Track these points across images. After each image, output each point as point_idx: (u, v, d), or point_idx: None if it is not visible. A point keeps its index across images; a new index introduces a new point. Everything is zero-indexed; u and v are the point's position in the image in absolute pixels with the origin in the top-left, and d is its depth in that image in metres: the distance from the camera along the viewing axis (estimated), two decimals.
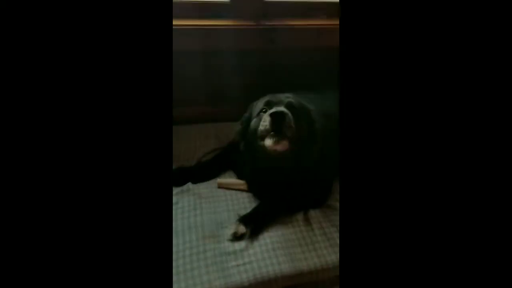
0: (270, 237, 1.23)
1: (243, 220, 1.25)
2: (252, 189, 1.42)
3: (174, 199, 1.37)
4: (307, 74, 1.79)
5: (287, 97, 1.28)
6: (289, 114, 1.17)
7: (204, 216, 1.30)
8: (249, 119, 1.34)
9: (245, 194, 1.42)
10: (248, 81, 1.73)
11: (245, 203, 1.38)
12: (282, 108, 1.18)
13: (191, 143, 1.69)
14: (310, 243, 1.23)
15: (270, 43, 1.61)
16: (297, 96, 1.38)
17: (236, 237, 1.21)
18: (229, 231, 1.22)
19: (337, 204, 1.39)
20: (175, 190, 1.41)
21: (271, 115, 1.14)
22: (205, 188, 1.44)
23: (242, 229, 1.22)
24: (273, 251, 1.18)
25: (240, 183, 1.44)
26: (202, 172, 1.49)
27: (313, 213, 1.35)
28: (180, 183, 1.43)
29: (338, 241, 1.22)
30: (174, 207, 1.33)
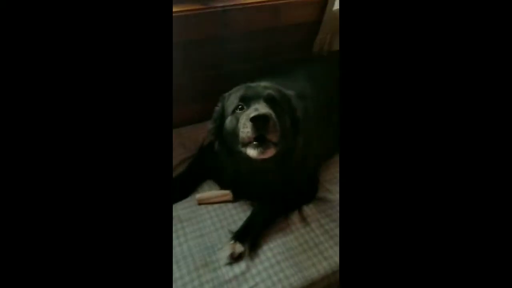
0: (270, 250, 1.11)
1: (238, 236, 1.11)
2: (238, 198, 1.27)
3: None
4: (269, 57, 1.64)
5: (265, 87, 1.12)
6: (273, 115, 1.00)
7: (190, 243, 1.13)
8: (222, 115, 1.16)
9: (230, 206, 1.27)
10: (202, 75, 1.53)
11: (234, 216, 1.23)
12: (263, 109, 0.99)
13: None
14: (314, 245, 1.13)
15: (223, 28, 1.41)
16: (272, 82, 1.24)
17: (234, 259, 1.07)
18: (225, 254, 1.07)
19: (330, 196, 1.31)
20: None
21: (252, 120, 0.96)
22: (183, 208, 1.26)
23: (239, 248, 1.08)
24: (277, 265, 1.07)
25: (223, 194, 1.28)
26: (175, 190, 1.29)
27: (308, 210, 1.25)
28: None
29: None
30: None
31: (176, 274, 1.04)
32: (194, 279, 1.02)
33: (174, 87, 1.59)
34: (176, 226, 1.18)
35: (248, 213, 1.23)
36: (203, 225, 1.19)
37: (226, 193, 1.28)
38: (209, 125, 1.22)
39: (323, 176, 1.40)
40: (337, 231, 1.17)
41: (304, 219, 1.22)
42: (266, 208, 1.20)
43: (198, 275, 1.03)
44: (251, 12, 1.40)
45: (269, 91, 1.09)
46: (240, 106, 1.08)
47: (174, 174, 1.36)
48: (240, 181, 1.24)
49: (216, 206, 1.27)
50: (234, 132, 1.06)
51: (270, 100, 1.07)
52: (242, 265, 1.06)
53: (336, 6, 1.56)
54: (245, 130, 0.99)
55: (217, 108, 1.20)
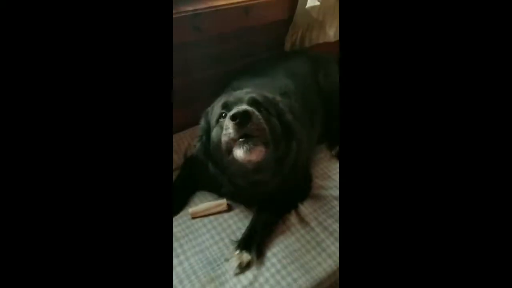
0: (274, 255, 1.10)
1: (243, 245, 1.08)
2: (233, 207, 1.25)
3: None
4: (242, 58, 1.62)
5: (247, 92, 1.09)
6: (255, 111, 0.96)
7: (191, 260, 1.09)
8: (208, 130, 1.12)
9: (226, 215, 1.24)
10: (177, 82, 1.47)
11: (232, 226, 1.20)
12: (244, 106, 0.96)
13: None
14: (316, 244, 1.14)
15: (195, 32, 1.36)
16: (255, 86, 1.22)
17: (243, 268, 1.04)
18: (233, 265, 1.04)
19: (324, 192, 1.33)
20: None
21: (232, 117, 0.90)
22: (178, 225, 1.21)
23: (246, 256, 1.05)
24: (284, 269, 1.06)
25: (218, 204, 1.24)
26: None
27: (305, 209, 1.26)
28: None
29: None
30: None
31: None
32: None
33: None
34: (173, 244, 1.13)
35: (246, 220, 1.22)
36: (201, 239, 1.15)
37: (221, 203, 1.24)
38: (196, 143, 1.17)
39: (313, 172, 1.41)
40: (335, 226, 1.19)
41: (302, 219, 1.22)
42: (265, 213, 1.18)
43: None
44: (222, 14, 1.37)
45: (252, 95, 1.07)
46: (223, 114, 1.05)
47: None
48: (236, 193, 1.20)
49: (211, 218, 1.23)
50: (219, 140, 1.00)
51: (253, 103, 1.04)
52: (249, 276, 1.04)
53: (309, 3, 1.57)
54: (227, 132, 0.93)
55: (201, 125, 1.15)
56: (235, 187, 1.14)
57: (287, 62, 1.56)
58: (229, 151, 0.97)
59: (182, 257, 1.10)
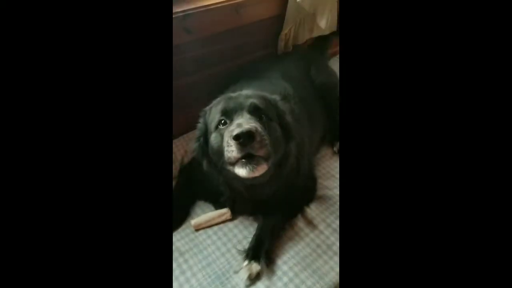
0: (285, 263, 1.06)
1: (251, 255, 1.04)
2: (236, 215, 1.20)
3: None
4: (235, 59, 1.57)
5: (247, 96, 1.04)
6: (258, 128, 0.91)
7: (199, 275, 1.04)
8: (205, 133, 1.07)
9: (231, 225, 1.19)
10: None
11: (237, 235, 1.16)
12: (246, 124, 0.90)
13: None
14: (327, 248, 1.11)
15: (186, 34, 1.30)
16: (253, 87, 1.17)
17: (253, 279, 1.00)
18: (243, 277, 1.00)
19: (329, 192, 1.30)
20: None
21: (235, 137, 0.87)
22: (181, 238, 1.15)
23: (256, 267, 1.01)
24: (297, 277, 1.02)
25: (220, 213, 1.19)
26: None
27: (311, 212, 1.22)
28: None
29: None
30: None
31: None
32: None
33: None
34: (177, 260, 1.08)
35: (251, 228, 1.17)
36: (207, 252, 1.10)
37: (224, 212, 1.19)
38: (194, 143, 1.12)
39: (316, 173, 1.38)
40: None
41: (310, 223, 1.19)
42: (271, 220, 1.14)
43: None
44: (212, 14, 1.32)
45: (252, 100, 1.01)
46: (222, 121, 1.00)
47: None
48: (236, 198, 1.16)
49: (215, 228, 1.18)
50: (220, 151, 0.97)
51: (254, 110, 0.99)
52: (261, 287, 1.00)
53: None
54: (230, 149, 0.91)
55: (199, 125, 1.11)
56: (232, 190, 1.10)
57: (282, 64, 1.52)
58: (231, 164, 0.95)
59: (188, 274, 1.04)
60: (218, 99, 1.08)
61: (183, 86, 1.47)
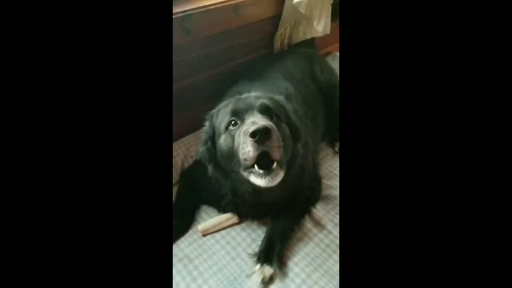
0: (296, 265, 1.07)
1: (263, 258, 1.03)
2: (244, 218, 1.19)
3: None
4: (233, 60, 1.56)
5: (257, 97, 1.03)
6: (273, 126, 0.90)
7: (210, 281, 1.02)
8: (213, 136, 1.06)
9: (238, 228, 1.18)
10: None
11: (246, 238, 1.15)
12: (262, 122, 0.89)
13: None
14: (336, 247, 1.12)
15: (185, 34, 1.28)
16: (255, 88, 1.17)
17: (266, 283, 1.00)
18: (256, 280, 0.99)
19: (334, 192, 1.31)
20: None
21: (252, 136, 0.84)
22: (188, 245, 1.13)
23: (268, 270, 1.01)
24: (309, 278, 1.03)
25: (228, 217, 1.18)
26: (174, 227, 1.15)
27: (318, 212, 1.23)
28: None
29: None
30: None
31: None
32: None
33: None
34: (187, 267, 1.06)
35: (259, 231, 1.17)
36: (217, 258, 1.09)
37: (231, 216, 1.18)
38: (199, 147, 1.10)
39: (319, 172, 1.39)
40: None
41: (318, 223, 1.20)
42: (281, 221, 1.14)
43: None
44: (213, 14, 1.30)
45: (262, 100, 1.01)
46: (233, 122, 0.99)
47: None
48: (239, 202, 1.15)
49: (223, 232, 1.17)
50: (231, 153, 0.96)
51: (265, 110, 0.99)
52: None
53: None
54: (246, 149, 0.88)
55: (206, 128, 1.09)
56: (237, 194, 1.09)
57: (282, 63, 1.52)
58: (247, 168, 0.93)
59: (200, 280, 1.03)
60: (226, 101, 1.07)
61: (181, 88, 1.45)
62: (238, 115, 0.98)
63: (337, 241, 1.14)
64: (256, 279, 0.99)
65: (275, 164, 0.90)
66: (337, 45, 2.18)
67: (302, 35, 1.73)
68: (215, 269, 1.06)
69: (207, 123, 1.09)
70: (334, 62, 2.05)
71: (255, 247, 1.11)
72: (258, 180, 0.90)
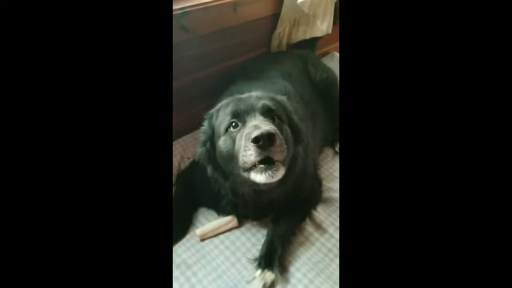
0: (298, 270, 1.04)
1: (264, 263, 1.01)
2: (243, 221, 1.16)
3: None
4: (231, 58, 1.53)
5: (258, 98, 1.00)
6: (277, 131, 0.88)
7: None
8: (212, 136, 1.03)
9: (238, 232, 1.16)
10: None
11: (245, 243, 1.12)
12: (265, 126, 0.86)
13: None
14: (338, 252, 1.10)
15: (183, 32, 1.25)
16: (253, 88, 1.14)
17: None
18: (257, 286, 0.96)
19: (335, 194, 1.29)
20: None
21: (255, 141, 0.83)
22: (186, 250, 1.10)
23: (270, 276, 0.99)
24: (311, 284, 1.00)
25: (227, 221, 1.15)
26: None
27: (319, 216, 1.21)
28: None
29: None
30: None
31: None
32: None
33: None
34: (185, 274, 1.03)
35: (259, 235, 1.15)
36: (216, 263, 1.06)
37: (230, 220, 1.16)
38: (198, 148, 1.07)
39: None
40: None
41: (319, 227, 1.18)
42: (282, 225, 1.12)
43: None
44: (211, 12, 1.27)
45: (264, 101, 0.98)
46: (233, 123, 0.96)
47: None
48: (239, 203, 1.12)
49: (222, 237, 1.14)
50: (231, 155, 0.93)
51: (267, 112, 0.96)
52: None
53: None
54: (247, 153, 0.86)
55: (204, 128, 1.06)
56: (237, 194, 1.06)
57: (279, 63, 1.50)
58: (246, 170, 0.90)
59: (199, 287, 0.99)
60: (226, 101, 1.04)
61: (177, 87, 1.41)
62: (239, 117, 0.96)
63: (339, 245, 1.12)
64: (257, 285, 0.96)
65: (276, 163, 0.88)
66: (335, 45, 2.17)
67: (302, 34, 1.71)
68: (214, 275, 1.03)
69: (205, 123, 1.06)
70: (333, 62, 2.04)
71: (255, 251, 1.09)
72: (258, 176, 0.88)
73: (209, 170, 1.05)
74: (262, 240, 1.11)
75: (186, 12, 1.19)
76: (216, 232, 1.14)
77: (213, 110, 1.06)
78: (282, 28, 1.62)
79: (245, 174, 0.91)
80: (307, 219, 1.20)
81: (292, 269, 1.05)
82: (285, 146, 0.89)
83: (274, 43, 1.68)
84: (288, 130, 1.01)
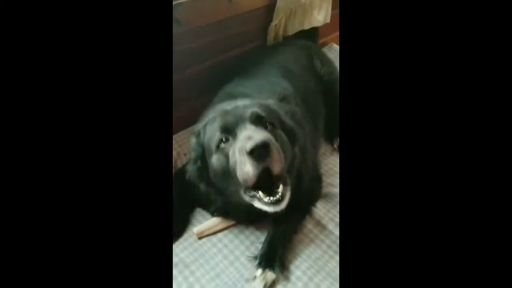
0: (297, 268, 1.04)
1: (265, 262, 1.00)
2: (242, 221, 1.15)
3: None
4: (225, 52, 1.50)
5: (246, 106, 0.96)
6: (272, 139, 0.84)
7: (208, 287, 0.99)
8: (202, 154, 0.99)
9: (236, 230, 1.15)
10: None
11: (244, 241, 1.11)
12: (258, 135, 0.81)
13: None
14: (338, 249, 1.09)
15: (175, 24, 1.22)
16: (250, 88, 1.12)
17: None
18: (258, 286, 0.96)
19: (334, 189, 1.28)
20: None
21: (250, 152, 0.78)
22: (184, 249, 1.09)
23: (271, 275, 0.98)
24: (311, 281, 1.00)
25: (225, 219, 1.14)
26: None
27: (319, 212, 1.20)
28: None
29: None
30: None
31: None
32: None
33: None
34: (183, 273, 1.02)
35: (258, 233, 1.14)
36: (214, 262, 1.05)
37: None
38: (189, 167, 1.04)
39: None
40: None
41: (318, 223, 1.17)
42: (282, 224, 1.10)
43: None
44: (204, 3, 1.24)
45: (252, 109, 0.93)
46: (223, 139, 0.91)
47: None
48: (230, 209, 1.10)
49: (220, 235, 1.13)
50: (227, 172, 0.90)
51: (256, 120, 0.92)
52: None
53: None
54: (245, 169, 0.82)
55: (193, 146, 1.02)
56: (230, 204, 1.04)
57: (279, 58, 1.46)
58: (248, 190, 0.88)
59: (197, 287, 0.99)
60: (211, 115, 1.00)
61: (174, 82, 1.39)
62: (228, 131, 0.91)
63: (338, 241, 1.11)
64: (258, 285, 0.96)
65: (280, 187, 0.85)
66: (334, 35, 2.14)
67: (298, 25, 1.68)
68: (213, 274, 1.02)
69: (193, 141, 1.02)
70: (330, 53, 2.00)
71: (254, 250, 1.08)
72: (264, 207, 0.85)
73: (202, 187, 1.02)
74: (261, 238, 1.10)
75: (178, 4, 1.16)
76: (213, 230, 1.13)
77: (200, 126, 1.02)
78: (278, 20, 1.59)
79: (247, 199, 0.88)
80: (307, 216, 1.19)
81: (292, 266, 1.04)
82: (283, 154, 0.85)
83: (271, 35, 1.65)
84: (283, 135, 0.97)
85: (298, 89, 1.30)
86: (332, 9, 1.76)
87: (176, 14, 1.18)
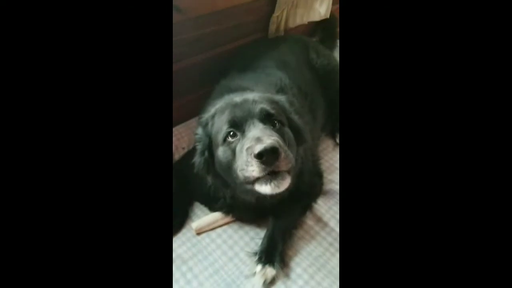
0: (298, 265, 1.02)
1: (265, 259, 0.99)
2: (247, 217, 1.13)
3: None
4: (225, 43, 1.47)
5: (255, 101, 0.94)
6: (281, 142, 0.83)
7: (206, 284, 0.97)
8: (209, 145, 0.97)
9: (235, 226, 1.13)
10: None
11: (243, 237, 1.10)
12: (268, 139, 0.80)
13: None
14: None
15: (176, 12, 1.19)
16: (247, 81, 1.09)
17: (267, 285, 0.95)
18: (258, 282, 0.94)
19: (336, 186, 1.27)
20: None
21: (258, 156, 0.78)
22: (182, 244, 1.07)
23: (271, 271, 0.96)
24: (312, 279, 0.99)
25: (224, 215, 1.12)
26: None
27: (320, 208, 1.19)
28: None
29: None
30: None
31: None
32: None
33: None
34: (181, 269, 1.00)
35: (258, 229, 1.12)
36: (213, 258, 1.03)
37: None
38: (195, 159, 1.01)
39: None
40: None
41: (320, 220, 1.15)
42: (283, 220, 1.09)
43: None
44: None
45: (261, 105, 0.92)
46: (231, 133, 0.90)
47: None
48: (241, 208, 1.08)
49: (219, 231, 1.11)
50: (232, 167, 0.89)
51: (266, 118, 0.91)
52: None
53: None
54: (250, 168, 0.81)
55: (199, 136, 0.99)
56: (236, 200, 1.02)
57: (276, 50, 1.44)
58: (249, 183, 0.86)
59: (195, 283, 0.97)
60: (220, 105, 0.97)
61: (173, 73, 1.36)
62: (237, 126, 0.89)
63: None
64: (258, 281, 0.94)
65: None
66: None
67: (299, 18, 1.65)
68: (211, 271, 1.00)
69: (200, 131, 0.99)
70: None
71: (254, 246, 1.06)
72: (263, 187, 0.83)
73: (209, 179, 1.00)
74: (261, 234, 1.09)
75: None
76: (212, 225, 1.11)
77: (207, 116, 0.99)
78: (280, 11, 1.56)
79: (248, 186, 0.87)
80: (307, 212, 1.18)
81: (292, 264, 1.03)
82: (290, 156, 0.84)
83: (272, 27, 1.62)
84: (290, 133, 0.96)
85: (294, 80, 1.29)
86: (333, 4, 1.74)
87: (177, 1, 1.15)
